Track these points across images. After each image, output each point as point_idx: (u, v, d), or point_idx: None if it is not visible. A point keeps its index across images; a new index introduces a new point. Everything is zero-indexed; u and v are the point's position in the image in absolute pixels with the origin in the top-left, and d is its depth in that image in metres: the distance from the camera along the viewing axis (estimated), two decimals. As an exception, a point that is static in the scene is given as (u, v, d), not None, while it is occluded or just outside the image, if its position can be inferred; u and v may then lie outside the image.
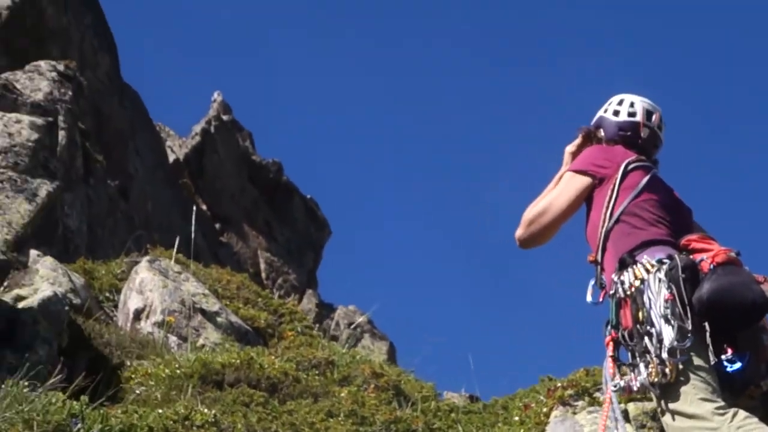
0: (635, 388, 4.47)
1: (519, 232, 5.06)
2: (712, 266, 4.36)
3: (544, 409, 6.80)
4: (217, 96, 23.94)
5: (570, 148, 5.25)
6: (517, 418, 6.94)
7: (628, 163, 4.88)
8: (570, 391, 6.85)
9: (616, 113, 5.13)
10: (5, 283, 6.89)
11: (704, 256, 4.45)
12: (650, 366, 4.30)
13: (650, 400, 6.81)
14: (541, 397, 7.09)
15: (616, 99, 5.22)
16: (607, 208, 4.83)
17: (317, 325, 12.42)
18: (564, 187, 5.00)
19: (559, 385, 7.01)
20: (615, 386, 4.56)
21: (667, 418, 4.41)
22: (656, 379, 4.28)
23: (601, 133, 5.17)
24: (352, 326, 18.25)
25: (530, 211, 5.03)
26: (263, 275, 21.00)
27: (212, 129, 22.74)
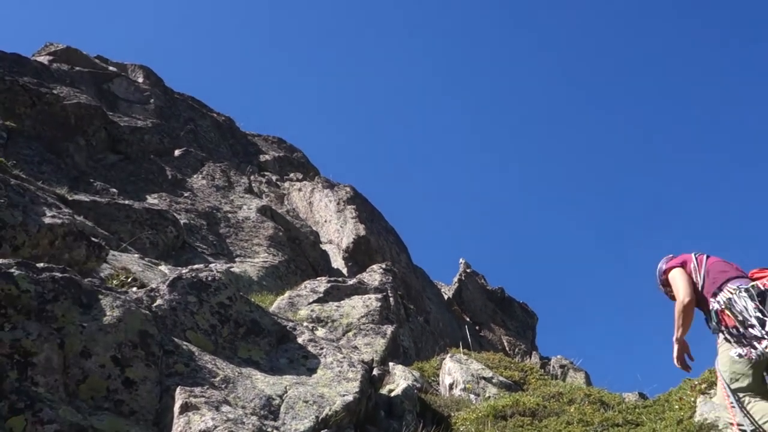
0: (754, 357, 4.20)
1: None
2: None
3: (692, 399, 6.20)
4: (462, 260, 24.12)
5: (676, 336, 4.84)
6: (677, 407, 6.30)
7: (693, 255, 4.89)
8: (704, 385, 6.25)
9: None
10: (383, 383, 7.00)
11: (765, 279, 4.34)
12: (763, 342, 4.13)
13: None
14: (688, 392, 6.46)
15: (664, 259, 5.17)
16: (697, 274, 4.72)
17: (543, 371, 11.83)
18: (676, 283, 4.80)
19: (696, 382, 6.41)
20: (738, 355, 4.27)
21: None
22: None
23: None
24: (563, 367, 17.31)
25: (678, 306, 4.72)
26: (507, 349, 20.36)
27: (463, 277, 22.76)
